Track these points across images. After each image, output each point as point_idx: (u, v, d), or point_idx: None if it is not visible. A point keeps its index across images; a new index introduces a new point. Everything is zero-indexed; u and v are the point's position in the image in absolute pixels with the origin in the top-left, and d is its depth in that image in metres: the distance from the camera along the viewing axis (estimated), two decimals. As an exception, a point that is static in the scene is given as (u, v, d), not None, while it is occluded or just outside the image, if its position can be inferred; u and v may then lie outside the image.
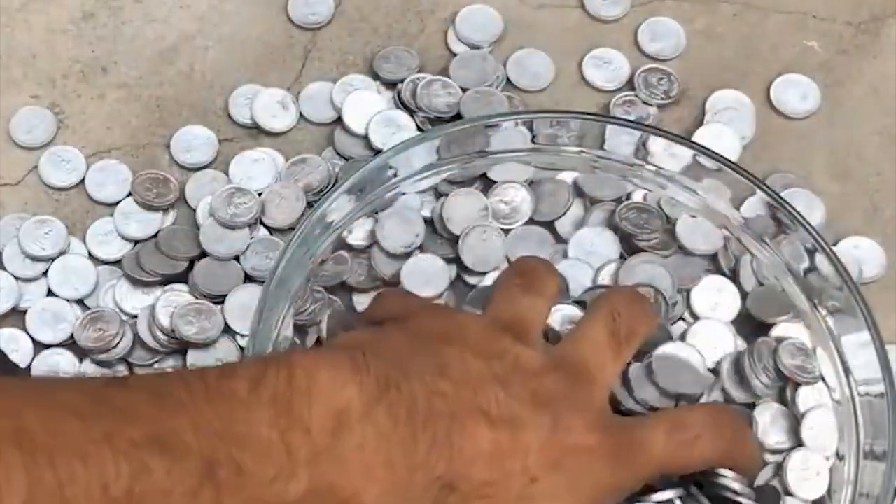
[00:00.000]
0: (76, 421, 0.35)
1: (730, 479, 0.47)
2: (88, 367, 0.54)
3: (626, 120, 0.58)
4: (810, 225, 0.52)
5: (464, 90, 0.60)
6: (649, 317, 0.50)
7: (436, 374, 0.42)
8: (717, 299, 0.54)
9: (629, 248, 0.55)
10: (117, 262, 0.57)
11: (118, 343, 0.54)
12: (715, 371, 0.52)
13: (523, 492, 0.42)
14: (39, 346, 0.55)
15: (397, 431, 0.39)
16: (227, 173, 0.59)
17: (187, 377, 0.38)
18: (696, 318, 0.54)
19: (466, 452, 0.40)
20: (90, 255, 0.57)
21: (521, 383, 0.43)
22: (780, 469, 0.51)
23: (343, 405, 0.38)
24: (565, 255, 0.55)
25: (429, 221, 0.56)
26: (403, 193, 0.55)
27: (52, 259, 0.57)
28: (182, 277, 0.56)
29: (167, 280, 0.56)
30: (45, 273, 0.56)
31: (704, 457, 0.46)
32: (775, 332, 0.53)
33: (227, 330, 0.55)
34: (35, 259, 0.56)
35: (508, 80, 0.62)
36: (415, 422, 0.40)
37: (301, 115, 0.61)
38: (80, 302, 0.56)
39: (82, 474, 0.34)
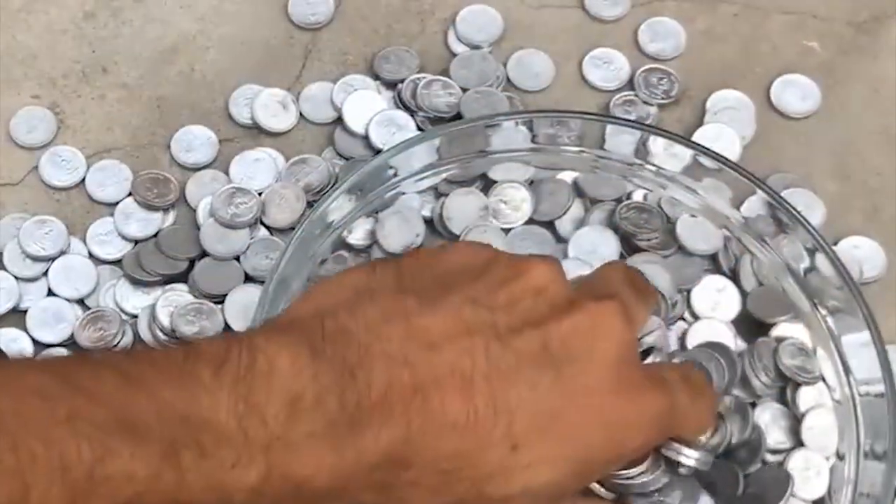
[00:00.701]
0: (40, 402, 0.35)
1: (689, 452, 0.47)
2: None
3: (626, 120, 0.58)
4: (810, 225, 0.52)
5: (464, 90, 0.60)
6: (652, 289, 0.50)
7: (408, 339, 0.40)
8: (717, 299, 0.54)
9: (629, 248, 0.55)
10: (117, 262, 0.57)
11: (118, 343, 0.54)
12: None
13: (500, 463, 0.40)
14: (40, 346, 0.55)
15: (345, 416, 0.38)
16: (227, 173, 0.59)
17: (154, 357, 0.38)
18: (696, 317, 0.54)
19: (430, 426, 0.39)
20: (90, 255, 0.57)
21: (530, 336, 0.41)
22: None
23: (297, 393, 0.38)
24: (565, 255, 0.55)
25: (429, 221, 0.56)
26: (403, 193, 0.55)
27: (53, 259, 0.57)
28: (182, 277, 0.56)
29: (167, 280, 0.56)
30: (45, 273, 0.56)
31: (691, 426, 0.46)
32: (775, 332, 0.53)
33: (228, 330, 0.55)
34: (35, 259, 0.56)
35: (508, 80, 0.62)
36: (365, 405, 0.39)
37: (301, 115, 0.61)
38: (81, 302, 0.56)
39: (43, 457, 0.34)
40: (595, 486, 0.47)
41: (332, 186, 0.56)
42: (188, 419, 0.37)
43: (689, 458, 0.47)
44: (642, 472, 0.46)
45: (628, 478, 0.46)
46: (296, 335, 0.40)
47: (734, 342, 0.53)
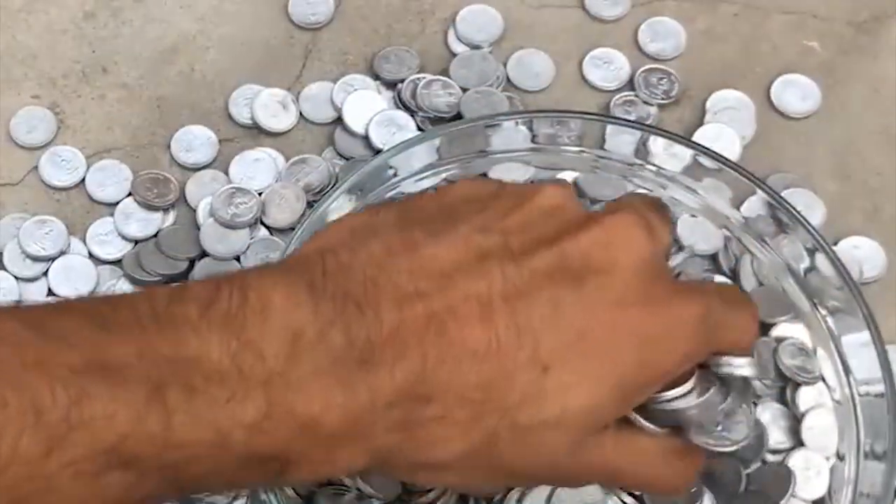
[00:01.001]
0: (7, 348, 0.33)
1: (738, 361, 0.42)
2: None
3: (626, 120, 0.58)
4: (810, 225, 0.52)
5: (464, 90, 0.60)
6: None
7: (417, 270, 0.38)
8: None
9: (629, 248, 0.55)
10: (117, 262, 0.57)
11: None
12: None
13: (530, 388, 0.37)
14: (39, 346, 0.55)
15: (353, 353, 0.36)
16: (227, 173, 0.59)
17: (134, 301, 0.36)
18: (696, 318, 0.54)
19: (449, 357, 0.37)
20: (90, 255, 0.57)
21: (546, 254, 0.39)
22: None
23: (297, 329, 0.36)
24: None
25: (429, 221, 0.55)
26: (403, 193, 0.55)
27: (52, 259, 0.57)
28: (182, 277, 0.56)
29: (167, 280, 0.56)
30: (45, 273, 0.56)
31: (733, 336, 0.42)
32: (775, 332, 0.53)
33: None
34: (35, 259, 0.56)
35: (508, 80, 0.62)
36: (375, 339, 0.36)
37: (301, 115, 0.61)
38: (81, 302, 0.56)
39: (14, 401, 0.32)
40: (642, 422, 0.42)
41: (332, 186, 0.56)
42: (174, 359, 0.34)
43: (740, 367, 0.42)
44: (687, 394, 0.42)
45: (669, 400, 0.41)
46: (292, 273, 0.37)
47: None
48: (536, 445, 0.38)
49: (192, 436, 0.34)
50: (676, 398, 0.41)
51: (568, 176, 0.56)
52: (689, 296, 0.40)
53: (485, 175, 0.56)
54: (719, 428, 0.43)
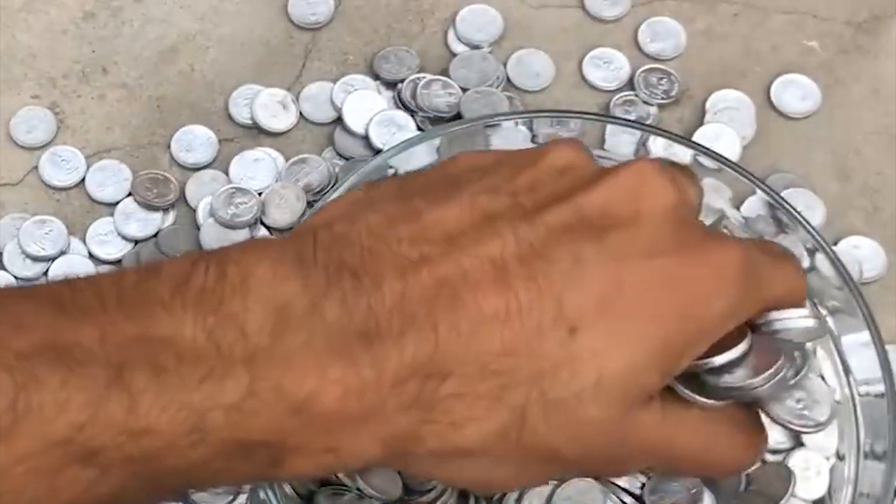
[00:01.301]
0: None
1: (801, 315, 0.38)
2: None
3: (626, 120, 0.58)
4: (810, 225, 0.52)
5: (464, 90, 0.60)
6: None
7: (420, 236, 0.34)
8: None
9: (629, 248, 0.55)
10: (117, 262, 0.57)
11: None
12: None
13: (559, 352, 0.33)
14: (39, 346, 0.55)
15: (354, 324, 0.32)
16: (227, 173, 0.59)
17: (99, 282, 0.32)
18: (696, 318, 0.54)
19: (463, 326, 0.32)
20: (90, 255, 0.57)
21: (561, 209, 0.35)
22: (780, 469, 0.51)
23: (284, 300, 0.32)
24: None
25: (429, 221, 0.55)
26: (403, 193, 0.55)
27: (52, 259, 0.57)
28: (182, 277, 0.56)
29: (167, 280, 0.56)
30: (45, 273, 0.56)
31: (780, 289, 0.38)
32: (775, 332, 0.53)
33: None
34: (35, 259, 0.56)
35: (508, 80, 0.62)
36: (378, 310, 0.32)
37: (301, 115, 0.61)
38: (81, 302, 0.56)
39: None
40: (690, 395, 0.37)
41: (332, 186, 0.56)
42: (140, 339, 0.31)
43: (799, 320, 0.38)
44: (742, 359, 0.36)
45: (721, 368, 0.36)
46: (279, 246, 0.34)
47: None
48: (573, 421, 0.34)
49: (163, 421, 0.30)
50: (730, 364, 0.36)
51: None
52: (725, 241, 0.36)
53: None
54: (799, 405, 0.38)
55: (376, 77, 0.62)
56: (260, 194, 0.58)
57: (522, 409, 0.33)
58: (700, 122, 0.61)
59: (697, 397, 0.36)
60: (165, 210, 0.58)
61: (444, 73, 0.61)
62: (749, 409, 0.39)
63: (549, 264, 0.33)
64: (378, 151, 0.58)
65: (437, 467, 0.35)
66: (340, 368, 0.31)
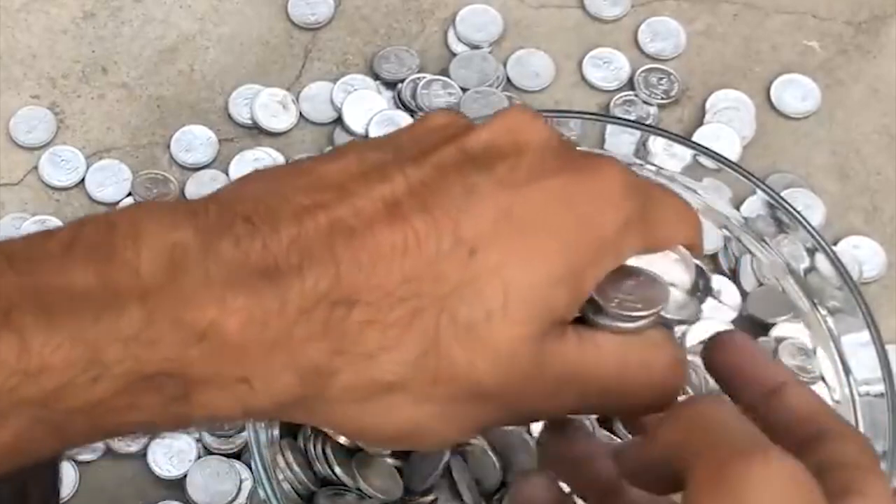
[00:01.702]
0: None
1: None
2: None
3: (626, 120, 0.58)
4: (810, 225, 0.52)
5: (464, 90, 0.60)
6: None
7: (311, 187, 0.34)
8: (717, 299, 0.54)
9: (629, 248, 0.55)
10: (117, 262, 0.57)
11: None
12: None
13: (461, 273, 0.33)
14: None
15: (250, 262, 0.32)
16: (227, 173, 0.59)
17: None
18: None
19: (363, 259, 0.33)
20: (90, 255, 0.57)
21: (446, 150, 0.35)
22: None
23: (176, 243, 0.32)
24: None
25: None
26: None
27: (52, 259, 0.57)
28: (182, 277, 0.56)
29: (167, 280, 0.56)
30: (45, 273, 0.56)
31: (671, 217, 0.38)
32: (775, 332, 0.53)
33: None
34: (35, 259, 0.56)
35: (508, 79, 0.62)
36: (274, 248, 0.32)
37: (301, 115, 0.61)
38: (80, 302, 0.56)
39: None
40: (608, 322, 0.36)
41: (331, 186, 0.56)
42: (29, 287, 0.30)
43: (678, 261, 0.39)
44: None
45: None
46: (170, 203, 0.34)
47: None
48: (488, 346, 0.34)
49: (58, 358, 0.30)
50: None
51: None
52: (606, 159, 0.37)
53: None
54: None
55: (376, 77, 0.62)
56: (260, 194, 0.58)
57: (435, 335, 0.33)
58: (700, 122, 0.61)
59: (611, 322, 0.36)
60: (165, 210, 0.58)
61: (444, 73, 0.61)
62: (666, 330, 0.38)
63: (442, 197, 0.34)
64: (378, 151, 0.58)
65: (360, 413, 0.35)
66: (242, 298, 0.31)
